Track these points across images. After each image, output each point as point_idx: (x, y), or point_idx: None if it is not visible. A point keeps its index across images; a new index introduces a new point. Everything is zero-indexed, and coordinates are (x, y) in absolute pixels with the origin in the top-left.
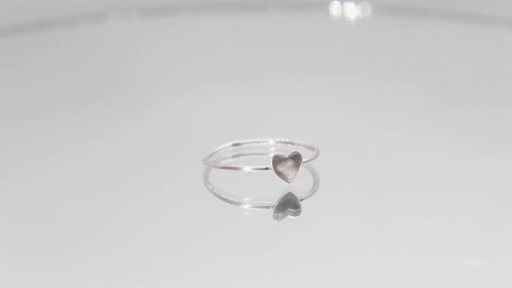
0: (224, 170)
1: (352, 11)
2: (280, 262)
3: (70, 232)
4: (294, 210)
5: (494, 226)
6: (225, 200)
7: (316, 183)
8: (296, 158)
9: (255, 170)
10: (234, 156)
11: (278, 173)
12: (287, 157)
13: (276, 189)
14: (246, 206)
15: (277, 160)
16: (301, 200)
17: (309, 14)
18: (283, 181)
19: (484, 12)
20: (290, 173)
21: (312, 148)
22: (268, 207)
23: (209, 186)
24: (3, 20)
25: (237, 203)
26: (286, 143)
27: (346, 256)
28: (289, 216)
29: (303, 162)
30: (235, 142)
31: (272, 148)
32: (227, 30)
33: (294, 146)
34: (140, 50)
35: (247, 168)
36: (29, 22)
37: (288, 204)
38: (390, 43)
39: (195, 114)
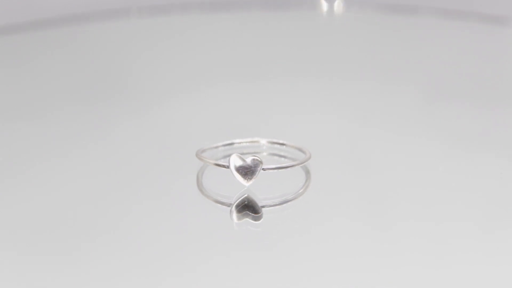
0: (214, 169)
1: (346, 10)
2: (276, 262)
3: (68, 232)
4: (255, 216)
5: (494, 229)
6: (219, 202)
7: (304, 187)
8: (254, 161)
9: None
10: (226, 156)
11: (236, 173)
12: (246, 159)
13: (273, 190)
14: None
15: (235, 160)
16: (263, 206)
17: (303, 13)
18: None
19: (480, 10)
20: (247, 177)
21: (304, 151)
22: (228, 205)
23: (204, 191)
24: (3, 19)
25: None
26: (278, 143)
27: (344, 258)
28: (249, 220)
29: (295, 165)
30: (228, 141)
31: (264, 147)
32: (224, 31)
33: (284, 147)
34: (139, 51)
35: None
36: (29, 22)
37: (248, 208)
38: (387, 43)
39: (193, 115)
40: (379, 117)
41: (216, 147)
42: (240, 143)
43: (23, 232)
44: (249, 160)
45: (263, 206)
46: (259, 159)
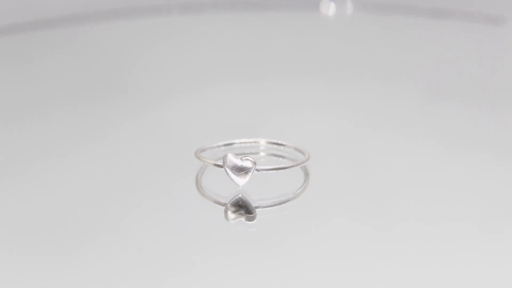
0: (214, 169)
1: (346, 11)
2: (276, 263)
3: (67, 232)
4: (249, 216)
5: (493, 229)
6: (217, 202)
7: (301, 188)
8: (247, 162)
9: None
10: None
11: (229, 174)
12: (240, 160)
13: (270, 191)
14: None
15: (228, 160)
16: (257, 207)
17: (301, 14)
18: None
19: (479, 11)
20: (241, 176)
21: (303, 152)
22: (223, 205)
23: (203, 191)
24: (3, 19)
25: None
26: (277, 144)
27: (343, 258)
28: (243, 220)
29: (290, 167)
30: (227, 142)
31: (262, 148)
32: (224, 31)
33: (284, 148)
34: (140, 51)
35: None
36: (29, 22)
37: (241, 208)
38: (386, 43)
39: (193, 115)
40: (379, 118)
41: (215, 147)
42: (239, 143)
43: (23, 232)
44: (243, 160)
45: (257, 207)
46: (253, 160)
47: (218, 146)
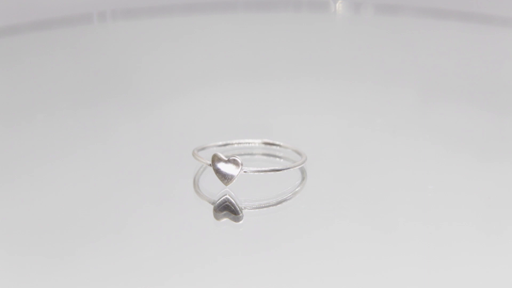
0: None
1: (346, 12)
2: (275, 263)
3: (67, 233)
4: (235, 216)
5: (493, 229)
6: (212, 202)
7: (295, 190)
8: (234, 162)
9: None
10: None
11: (216, 173)
12: (227, 159)
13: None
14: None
15: (216, 159)
16: (243, 208)
17: (301, 14)
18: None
19: (478, 11)
20: (228, 176)
21: (300, 154)
22: (212, 203)
23: (199, 190)
24: (4, 20)
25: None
26: (274, 145)
27: (341, 259)
28: (230, 220)
29: (291, 167)
30: (225, 142)
31: (260, 148)
32: (224, 32)
33: (281, 149)
34: (140, 52)
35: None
36: (30, 22)
37: (227, 208)
38: (386, 44)
39: (194, 116)
40: (378, 118)
41: (213, 146)
42: (237, 143)
43: (23, 233)
44: (229, 161)
45: (244, 208)
46: (239, 161)
47: (217, 146)
